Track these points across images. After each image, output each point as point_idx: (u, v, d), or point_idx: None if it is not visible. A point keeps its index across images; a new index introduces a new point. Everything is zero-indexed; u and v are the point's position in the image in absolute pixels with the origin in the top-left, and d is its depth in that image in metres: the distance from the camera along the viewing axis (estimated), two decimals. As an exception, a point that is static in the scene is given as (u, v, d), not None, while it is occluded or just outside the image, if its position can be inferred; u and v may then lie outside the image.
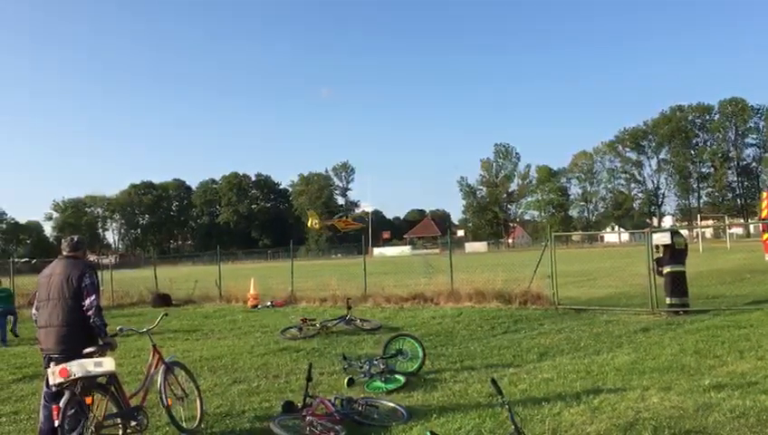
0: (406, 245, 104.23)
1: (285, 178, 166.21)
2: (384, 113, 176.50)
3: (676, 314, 13.57)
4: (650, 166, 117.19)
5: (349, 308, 14.56)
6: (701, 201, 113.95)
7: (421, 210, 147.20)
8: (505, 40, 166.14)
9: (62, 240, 6.67)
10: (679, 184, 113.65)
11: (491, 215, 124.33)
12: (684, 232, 19.41)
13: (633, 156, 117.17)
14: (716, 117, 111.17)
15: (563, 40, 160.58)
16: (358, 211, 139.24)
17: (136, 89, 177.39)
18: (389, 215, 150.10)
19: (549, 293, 16.18)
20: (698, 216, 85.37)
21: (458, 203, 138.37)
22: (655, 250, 14.56)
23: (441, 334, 12.75)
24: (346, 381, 8.62)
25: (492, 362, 9.73)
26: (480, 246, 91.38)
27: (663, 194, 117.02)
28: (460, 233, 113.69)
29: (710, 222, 79.16)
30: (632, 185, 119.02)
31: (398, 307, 17.77)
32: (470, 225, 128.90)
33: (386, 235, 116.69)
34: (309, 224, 32.58)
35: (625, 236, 77.76)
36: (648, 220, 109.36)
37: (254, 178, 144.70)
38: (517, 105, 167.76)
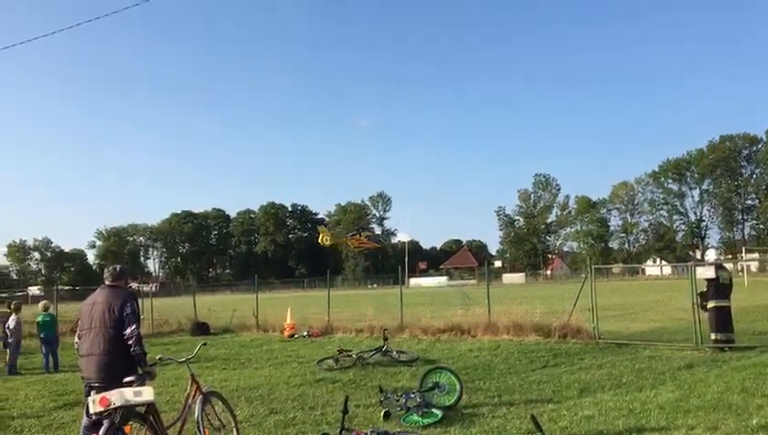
0: (442, 275, 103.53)
1: (322, 207, 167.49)
2: (421, 143, 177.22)
3: (721, 351, 13.18)
4: (693, 197, 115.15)
5: (385, 339, 14.47)
6: (745, 234, 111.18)
7: (458, 240, 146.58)
8: (545, 69, 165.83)
9: (105, 269, 6.77)
10: (723, 216, 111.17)
11: (529, 246, 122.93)
12: (728, 265, 18.95)
13: (675, 187, 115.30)
14: (762, 147, 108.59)
15: (604, 70, 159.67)
16: (394, 241, 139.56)
17: (178, 120, 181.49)
18: (426, 245, 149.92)
19: (589, 326, 15.88)
20: (743, 248, 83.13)
21: (496, 233, 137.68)
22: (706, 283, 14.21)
23: (478, 368, 12.58)
24: (382, 414, 8.55)
25: (531, 398, 9.55)
26: (518, 278, 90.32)
27: (706, 226, 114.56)
28: (497, 264, 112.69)
29: (755, 255, 76.96)
30: (674, 217, 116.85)
31: (434, 339, 17.63)
32: (507, 256, 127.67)
33: (422, 265, 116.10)
34: (320, 240, 32.26)
35: (667, 269, 76.03)
36: (690, 253, 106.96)
37: (290, 208, 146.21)
38: (556, 135, 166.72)
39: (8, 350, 15.58)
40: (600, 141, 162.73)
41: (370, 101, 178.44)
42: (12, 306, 16.63)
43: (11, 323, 15.85)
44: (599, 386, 10.13)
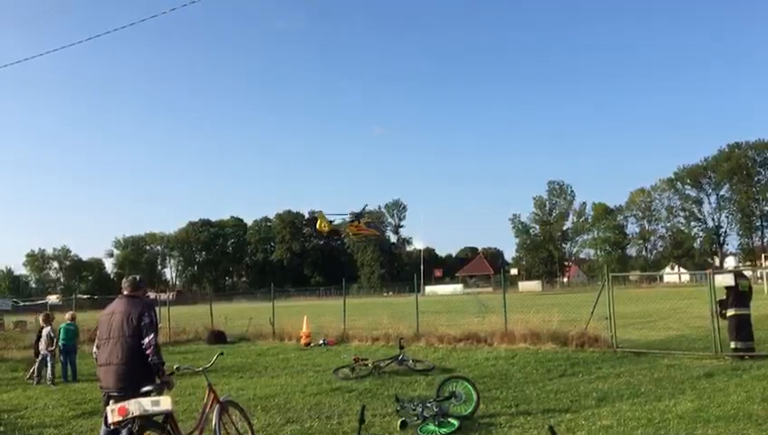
0: (458, 283, 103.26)
1: (338, 215, 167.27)
2: (437, 151, 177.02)
3: (741, 359, 13.03)
4: (710, 203, 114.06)
5: (401, 348, 14.44)
6: (765, 240, 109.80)
7: (473, 248, 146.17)
8: (557, 73, 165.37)
9: (124, 279, 6.82)
10: (741, 223, 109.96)
11: (545, 253, 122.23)
12: (747, 273, 18.74)
13: (693, 193, 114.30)
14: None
15: (618, 76, 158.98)
16: (410, 248, 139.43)
17: (195, 131, 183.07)
18: (441, 252, 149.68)
19: (607, 335, 15.76)
20: (762, 255, 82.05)
21: (511, 241, 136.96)
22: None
23: (495, 377, 12.52)
24: (399, 423, 8.52)
25: (548, 407, 9.48)
26: (534, 285, 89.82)
27: (725, 232, 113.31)
28: (513, 271, 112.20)
29: (775, 262, 75.97)
30: (692, 223, 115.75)
31: (450, 347, 17.57)
32: (523, 263, 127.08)
33: (438, 272, 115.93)
34: (318, 226, 31.64)
35: (685, 276, 75.35)
36: (709, 260, 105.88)
37: (306, 216, 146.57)
38: (571, 141, 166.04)
39: (49, 362, 15.25)
40: (617, 147, 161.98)
41: (385, 109, 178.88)
42: (44, 318, 16.49)
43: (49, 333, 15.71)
44: (617, 395, 10.05)
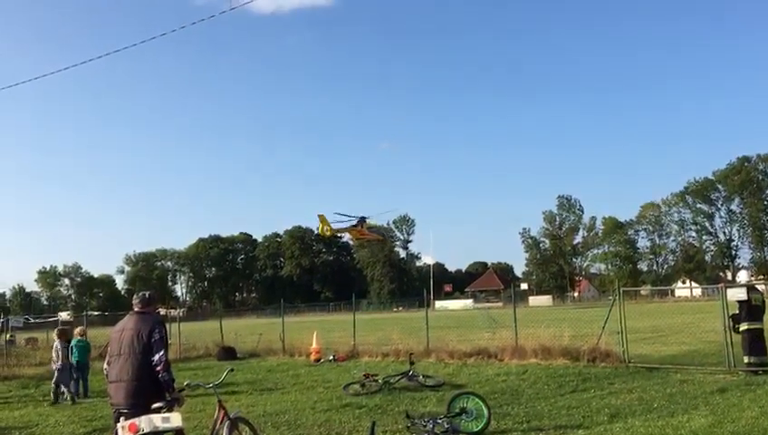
0: (468, 298, 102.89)
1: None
2: (444, 166, 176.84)
3: (755, 374, 12.89)
4: (721, 217, 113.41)
5: (411, 363, 14.40)
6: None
7: (483, 263, 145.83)
8: (564, 87, 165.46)
9: (134, 296, 6.83)
10: (753, 236, 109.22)
11: (555, 268, 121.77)
12: (761, 287, 18.61)
13: (704, 207, 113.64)
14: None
15: (627, 90, 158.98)
16: (419, 264, 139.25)
17: (204, 146, 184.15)
18: (451, 267, 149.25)
19: (618, 350, 15.63)
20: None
21: (521, 255, 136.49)
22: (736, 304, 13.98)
23: (506, 392, 12.45)
24: (409, 439, 8.49)
25: (560, 423, 9.41)
26: (545, 300, 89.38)
27: (736, 246, 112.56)
28: (523, 286, 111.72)
29: (788, 276, 75.39)
30: (703, 237, 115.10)
31: (461, 363, 17.48)
32: (534, 278, 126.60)
33: (447, 288, 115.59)
34: (319, 230, 31.45)
35: (697, 290, 74.77)
36: (721, 274, 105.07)
37: (316, 232, 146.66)
38: (581, 154, 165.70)
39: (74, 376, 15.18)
40: (627, 161, 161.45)
41: (391, 124, 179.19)
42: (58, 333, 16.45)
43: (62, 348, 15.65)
44: (629, 411, 9.96)
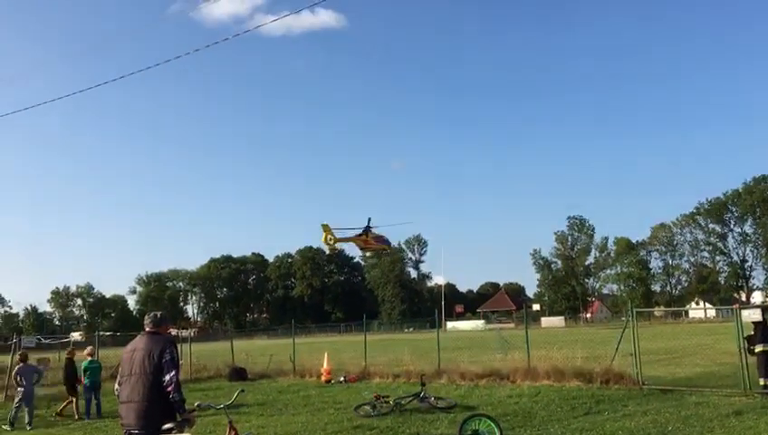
0: (479, 319, 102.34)
1: (358, 251, 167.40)
2: (456, 186, 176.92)
3: (771, 397, 12.73)
4: (734, 237, 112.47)
5: (423, 385, 14.33)
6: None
7: (495, 283, 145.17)
8: (574, 107, 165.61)
9: (146, 316, 6.81)
10: (767, 257, 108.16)
11: (568, 289, 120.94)
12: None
13: (718, 228, 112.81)
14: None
15: (637, 110, 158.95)
16: (430, 284, 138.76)
17: (215, 167, 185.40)
18: (462, 288, 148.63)
19: (632, 372, 15.50)
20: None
21: (532, 276, 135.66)
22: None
23: (519, 415, 12.34)
24: (421, 462, 8.42)
25: (573, 446, 9.31)
26: (557, 321, 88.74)
27: (750, 267, 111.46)
28: (535, 307, 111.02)
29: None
30: (717, 257, 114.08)
31: (472, 384, 17.37)
32: (546, 298, 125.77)
33: (459, 308, 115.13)
34: (323, 240, 31.28)
35: (711, 311, 74.09)
36: (735, 295, 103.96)
37: (327, 252, 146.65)
38: (592, 175, 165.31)
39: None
40: (637, 182, 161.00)
41: (403, 144, 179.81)
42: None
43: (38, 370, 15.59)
44: (644, 434, 9.85)
